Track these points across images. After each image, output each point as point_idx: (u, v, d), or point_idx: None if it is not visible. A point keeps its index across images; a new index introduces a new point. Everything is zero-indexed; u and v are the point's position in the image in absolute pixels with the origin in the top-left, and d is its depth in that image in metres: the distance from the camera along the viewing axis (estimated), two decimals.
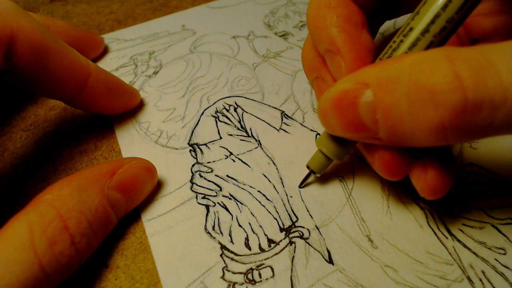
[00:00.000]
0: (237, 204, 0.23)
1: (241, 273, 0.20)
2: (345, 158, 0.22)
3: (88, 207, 0.19)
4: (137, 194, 0.22)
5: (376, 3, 0.21)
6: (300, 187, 0.23)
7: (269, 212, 0.22)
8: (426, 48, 0.17)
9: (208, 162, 0.25)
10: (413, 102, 0.15)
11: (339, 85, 0.18)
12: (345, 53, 0.19)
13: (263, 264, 0.20)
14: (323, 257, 0.21)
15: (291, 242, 0.21)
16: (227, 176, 0.24)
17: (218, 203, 0.23)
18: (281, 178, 0.24)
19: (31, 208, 0.18)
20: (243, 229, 0.22)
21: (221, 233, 0.22)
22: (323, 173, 0.23)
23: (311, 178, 0.24)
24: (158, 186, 0.23)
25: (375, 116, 0.16)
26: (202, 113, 0.27)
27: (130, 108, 0.27)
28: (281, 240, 0.21)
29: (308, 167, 0.22)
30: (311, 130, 0.26)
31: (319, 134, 0.26)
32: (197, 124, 0.27)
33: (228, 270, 0.20)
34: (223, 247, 0.21)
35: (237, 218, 0.22)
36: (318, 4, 0.20)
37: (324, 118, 0.19)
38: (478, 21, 0.22)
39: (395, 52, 0.18)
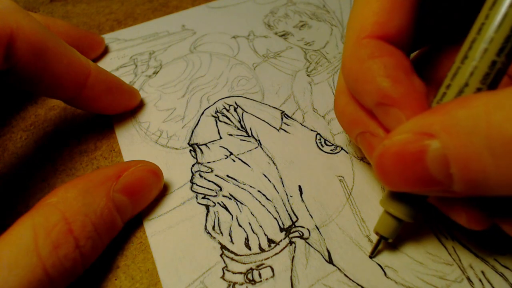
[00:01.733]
0: (237, 204, 0.23)
1: (241, 273, 0.20)
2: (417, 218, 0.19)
3: (93, 210, 0.19)
4: (143, 197, 0.22)
5: (412, 43, 0.20)
6: (371, 257, 0.21)
7: (269, 212, 0.22)
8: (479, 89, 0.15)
9: (208, 162, 0.25)
10: (499, 155, 0.13)
11: (397, 137, 0.16)
12: (403, 104, 0.17)
13: (263, 264, 0.20)
14: (323, 257, 0.21)
15: (291, 242, 0.21)
16: (227, 176, 0.24)
17: (218, 203, 0.23)
18: (281, 178, 0.24)
19: (36, 210, 0.18)
20: (243, 229, 0.22)
21: (221, 233, 0.22)
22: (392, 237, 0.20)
23: (382, 246, 0.21)
24: None
25: (448, 170, 0.15)
26: (202, 113, 0.27)
27: (130, 108, 0.27)
28: (281, 240, 0.21)
29: (377, 233, 0.20)
30: (311, 130, 0.26)
31: (319, 134, 0.26)
32: (197, 124, 0.27)
33: (228, 270, 0.20)
34: (223, 247, 0.21)
35: (237, 218, 0.22)
36: (357, 56, 0.18)
37: (384, 176, 0.17)
38: None
39: (450, 91, 0.16)
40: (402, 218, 0.19)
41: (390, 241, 0.20)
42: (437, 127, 0.15)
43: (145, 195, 0.22)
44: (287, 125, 0.26)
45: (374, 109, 0.18)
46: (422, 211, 0.19)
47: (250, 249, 0.21)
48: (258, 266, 0.20)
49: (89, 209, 0.19)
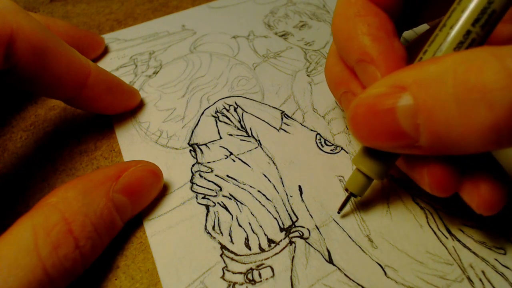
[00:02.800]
0: (237, 204, 0.23)
1: (241, 273, 0.20)
2: (385, 178, 0.20)
3: (93, 210, 0.19)
4: (143, 198, 0.22)
5: (401, 11, 0.21)
6: (338, 212, 0.22)
7: (269, 212, 0.22)
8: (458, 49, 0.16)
9: (208, 162, 0.25)
10: (463, 102, 0.14)
11: (371, 91, 0.17)
12: (380, 62, 0.18)
13: (263, 264, 0.20)
14: (323, 257, 0.21)
15: (291, 242, 0.21)
16: (227, 176, 0.24)
17: (218, 203, 0.23)
18: (281, 178, 0.24)
19: (35, 211, 0.18)
20: (243, 229, 0.22)
21: (221, 233, 0.22)
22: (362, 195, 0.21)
23: (351, 203, 0.22)
24: None
25: (416, 120, 0.15)
26: (202, 113, 0.27)
27: (130, 108, 0.27)
28: (281, 240, 0.21)
29: (347, 189, 0.21)
30: (311, 130, 0.26)
31: (319, 134, 0.26)
32: (197, 124, 0.27)
33: (228, 270, 0.20)
34: (223, 247, 0.21)
35: (237, 218, 0.22)
36: (345, 14, 0.19)
37: (356, 128, 0.18)
38: (498, 28, 0.22)
39: (426, 55, 0.17)
40: (371, 176, 0.19)
41: (358, 198, 0.21)
42: (409, 80, 0.15)
43: (145, 195, 0.22)
44: (287, 125, 0.26)
45: (355, 67, 0.19)
46: (390, 171, 0.20)
47: (250, 249, 0.21)
48: (258, 266, 0.20)
49: (89, 209, 0.19)
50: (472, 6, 0.16)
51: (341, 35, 0.20)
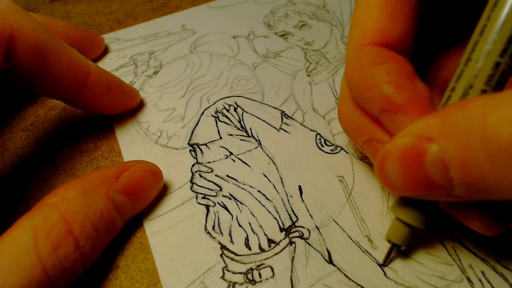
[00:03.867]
0: (237, 204, 0.23)
1: (241, 273, 0.20)
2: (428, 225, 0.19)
3: (93, 210, 0.19)
4: (143, 198, 0.22)
5: (414, 48, 0.20)
6: (383, 265, 0.20)
7: (269, 212, 0.22)
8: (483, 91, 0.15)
9: (208, 162, 0.25)
10: (495, 158, 0.13)
11: (397, 140, 0.16)
12: (407, 110, 0.17)
13: (263, 264, 0.20)
14: (323, 257, 0.21)
15: (291, 242, 0.21)
16: (227, 176, 0.24)
17: (218, 203, 0.23)
18: (281, 178, 0.24)
19: (35, 211, 0.18)
20: (243, 229, 0.22)
21: (221, 233, 0.22)
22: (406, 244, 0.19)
23: (394, 253, 0.20)
24: None
25: (447, 173, 0.14)
26: (202, 113, 0.27)
27: (130, 108, 0.27)
28: (281, 240, 0.21)
29: (389, 241, 0.19)
30: (311, 130, 0.26)
31: (319, 134, 0.26)
32: (197, 124, 0.27)
33: (228, 270, 0.20)
34: (223, 247, 0.21)
35: (237, 218, 0.22)
36: (360, 64, 0.18)
37: (385, 180, 0.17)
38: None
39: (455, 93, 0.16)
40: (413, 224, 0.18)
41: (402, 248, 0.19)
42: (436, 130, 0.15)
43: (144, 195, 0.22)
44: (287, 125, 0.26)
45: (379, 116, 0.18)
46: (433, 217, 0.19)
47: (250, 249, 0.21)
48: (258, 266, 0.20)
49: (88, 209, 0.19)
50: (496, 36, 0.15)
51: (358, 86, 0.19)
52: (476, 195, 0.15)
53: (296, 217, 0.22)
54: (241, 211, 0.22)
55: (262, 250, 0.21)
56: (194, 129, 0.26)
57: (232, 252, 0.21)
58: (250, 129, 0.26)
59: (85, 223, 0.18)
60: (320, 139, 0.26)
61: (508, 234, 0.21)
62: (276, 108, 0.27)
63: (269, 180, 0.24)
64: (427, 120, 0.15)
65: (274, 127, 0.26)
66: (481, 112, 0.13)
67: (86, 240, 0.18)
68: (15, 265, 0.16)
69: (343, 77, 0.21)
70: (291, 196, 0.23)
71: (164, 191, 0.23)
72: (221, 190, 0.23)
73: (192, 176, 0.24)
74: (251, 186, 0.23)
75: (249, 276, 0.20)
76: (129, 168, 0.21)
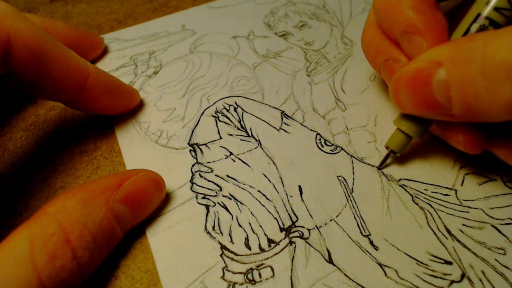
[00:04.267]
0: (237, 204, 0.23)
1: (241, 273, 0.20)
2: (424, 136, 0.22)
3: (92, 220, 0.19)
4: (144, 207, 0.21)
5: None
6: (379, 168, 0.24)
7: (269, 212, 0.22)
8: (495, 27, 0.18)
9: (208, 162, 0.25)
10: (490, 79, 0.16)
11: (412, 65, 0.19)
12: (425, 33, 0.20)
13: (263, 264, 0.20)
14: (323, 257, 0.21)
15: (291, 242, 0.21)
16: (227, 176, 0.24)
17: (218, 203, 0.23)
18: (281, 178, 0.24)
19: (33, 220, 0.18)
20: (243, 229, 0.22)
21: (221, 233, 0.22)
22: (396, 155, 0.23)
23: (390, 160, 0.24)
24: None
25: (448, 93, 0.17)
26: (202, 113, 0.27)
27: (130, 109, 0.27)
28: (281, 240, 0.21)
29: (387, 147, 0.23)
30: (311, 130, 0.26)
31: (319, 134, 0.26)
32: (197, 124, 0.27)
33: (228, 270, 0.20)
34: (223, 247, 0.21)
35: (237, 218, 0.22)
36: None
37: (397, 97, 0.20)
38: None
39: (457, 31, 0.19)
40: (411, 135, 0.22)
41: (398, 155, 0.23)
42: (445, 57, 0.17)
43: (146, 205, 0.21)
44: (287, 125, 0.26)
45: (399, 38, 0.21)
46: (428, 130, 0.22)
47: (250, 249, 0.21)
48: (258, 266, 0.20)
49: (88, 219, 0.18)
50: None
51: (384, 8, 0.21)
52: (470, 115, 0.17)
53: (296, 217, 0.22)
54: (241, 211, 0.22)
55: (262, 250, 0.21)
56: (194, 129, 0.26)
57: (232, 252, 0.21)
58: (250, 129, 0.26)
59: (84, 233, 0.18)
60: (320, 139, 0.25)
61: (509, 234, 0.21)
62: (276, 108, 0.27)
63: (269, 180, 0.24)
64: (439, 48, 0.18)
65: (274, 127, 0.26)
66: (484, 41, 0.16)
67: (84, 251, 0.18)
68: (10, 275, 0.16)
69: (371, 8, 0.25)
70: (291, 196, 0.23)
71: (165, 200, 0.23)
72: (221, 190, 0.23)
73: (192, 176, 0.24)
74: (251, 186, 0.23)
75: (249, 276, 0.20)
76: (130, 177, 0.21)
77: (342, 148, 0.25)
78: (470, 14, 0.19)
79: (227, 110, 0.27)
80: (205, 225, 0.22)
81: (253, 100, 0.28)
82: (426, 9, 0.20)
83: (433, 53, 0.18)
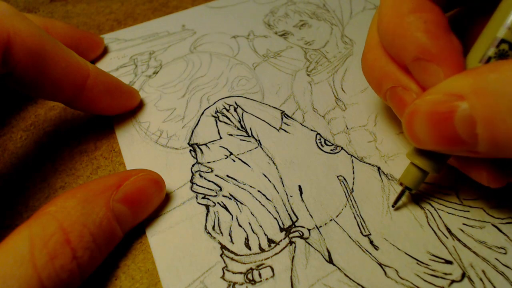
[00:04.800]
0: (237, 204, 0.23)
1: (241, 273, 0.20)
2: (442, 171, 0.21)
3: (92, 220, 0.19)
4: (144, 207, 0.21)
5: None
6: (393, 206, 0.22)
7: (269, 212, 0.22)
8: None
9: (208, 162, 0.25)
10: None
11: (428, 97, 0.17)
12: (442, 61, 0.18)
13: (263, 264, 0.20)
14: (323, 257, 0.21)
15: (291, 242, 0.21)
16: (227, 176, 0.24)
17: (218, 203, 0.23)
18: (281, 178, 0.24)
19: (33, 220, 0.18)
20: (243, 229, 0.22)
21: (221, 233, 0.22)
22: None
23: (404, 198, 0.22)
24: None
25: (474, 130, 0.16)
26: (202, 113, 0.27)
27: (130, 109, 0.27)
28: (281, 240, 0.21)
29: (401, 184, 0.21)
30: (311, 130, 0.26)
31: (319, 134, 0.26)
32: (197, 124, 0.27)
33: (228, 270, 0.20)
34: (223, 247, 0.21)
35: (237, 218, 0.22)
36: (398, 11, 0.19)
37: (412, 132, 0.18)
38: None
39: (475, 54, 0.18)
40: (427, 170, 0.20)
41: (413, 192, 0.21)
42: (467, 89, 0.16)
43: (146, 205, 0.21)
44: (287, 125, 0.26)
45: (410, 64, 0.19)
46: (446, 165, 0.20)
47: (250, 249, 0.21)
48: (258, 266, 0.20)
49: (87, 219, 0.18)
50: None
51: (393, 31, 0.19)
52: (497, 152, 0.16)
53: (296, 217, 0.22)
54: (241, 211, 0.22)
55: (262, 250, 0.21)
56: (194, 129, 0.26)
57: (232, 252, 0.21)
58: (250, 129, 0.26)
59: (84, 233, 0.18)
60: (320, 139, 0.25)
61: (509, 233, 0.21)
62: (276, 108, 0.27)
63: (269, 180, 0.24)
64: (459, 78, 0.16)
65: (274, 127, 0.26)
66: None
67: (84, 251, 0.18)
68: (10, 275, 0.16)
69: (370, 25, 0.23)
70: (291, 196, 0.23)
71: (165, 200, 0.23)
72: (221, 190, 0.23)
73: (192, 176, 0.24)
74: (251, 186, 0.23)
75: (249, 276, 0.20)
76: (130, 177, 0.21)
77: (342, 148, 0.25)
78: (485, 36, 0.18)
79: (227, 110, 0.27)
80: (205, 225, 0.22)
81: (253, 100, 0.28)
82: (441, 33, 0.18)
83: (452, 84, 0.16)
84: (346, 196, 0.23)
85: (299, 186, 0.23)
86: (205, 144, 0.26)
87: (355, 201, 0.22)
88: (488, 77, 0.15)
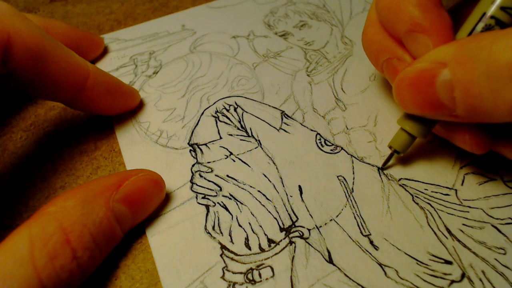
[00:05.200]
0: (237, 204, 0.23)
1: (241, 273, 0.20)
2: (428, 136, 0.22)
3: (92, 220, 0.19)
4: (144, 207, 0.21)
5: None
6: (382, 168, 0.23)
7: (269, 212, 0.22)
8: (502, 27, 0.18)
9: (208, 162, 0.25)
10: (494, 80, 0.15)
11: (416, 65, 0.19)
12: (431, 32, 0.19)
13: (263, 264, 0.20)
14: (323, 257, 0.21)
15: (291, 242, 0.21)
16: (227, 176, 0.24)
17: (218, 203, 0.23)
18: (281, 178, 0.24)
19: (33, 220, 0.18)
20: (243, 229, 0.22)
21: (221, 233, 0.22)
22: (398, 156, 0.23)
23: (393, 160, 0.24)
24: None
25: (452, 94, 0.17)
26: (202, 113, 0.27)
27: (130, 109, 0.27)
28: (281, 240, 0.21)
29: (390, 147, 0.23)
30: (311, 130, 0.26)
31: (319, 134, 0.26)
32: (197, 124, 0.27)
33: (228, 270, 0.20)
34: (223, 247, 0.21)
35: (237, 218, 0.22)
36: None
37: (400, 97, 0.20)
38: None
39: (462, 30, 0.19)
40: (415, 135, 0.21)
41: (401, 155, 0.23)
42: (450, 57, 0.17)
43: (145, 205, 0.21)
44: (287, 125, 0.26)
45: (403, 37, 0.21)
46: (431, 131, 0.22)
47: (250, 249, 0.21)
48: (258, 266, 0.20)
49: (87, 219, 0.18)
50: None
51: (389, 7, 0.21)
52: (474, 116, 0.17)
53: (296, 217, 0.22)
54: (241, 211, 0.22)
55: (262, 250, 0.21)
56: (194, 129, 0.26)
57: (232, 252, 0.21)
58: (250, 129, 0.26)
59: (84, 233, 0.18)
60: (320, 139, 0.25)
61: (509, 234, 0.21)
62: (276, 108, 0.27)
63: (269, 180, 0.24)
64: (444, 48, 0.18)
65: (274, 127, 0.26)
66: (489, 42, 0.16)
67: (84, 251, 0.18)
68: (10, 275, 0.16)
69: (371, 4, 0.25)
70: (291, 196, 0.23)
71: (165, 200, 0.23)
72: (221, 190, 0.23)
73: (192, 176, 0.24)
74: (251, 186, 0.23)
75: (249, 276, 0.20)
76: (130, 177, 0.21)
77: (342, 148, 0.25)
78: (475, 13, 0.19)
79: (227, 110, 0.27)
80: (205, 225, 0.22)
81: (253, 100, 0.28)
82: (432, 7, 0.20)
83: (438, 53, 0.18)
84: (346, 196, 0.23)
85: (299, 186, 0.23)
86: (205, 144, 0.26)
87: (355, 201, 0.23)
88: (468, 45, 0.17)
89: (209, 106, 0.28)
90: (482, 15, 0.19)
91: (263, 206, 0.23)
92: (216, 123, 0.27)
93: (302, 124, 0.26)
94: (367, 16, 0.25)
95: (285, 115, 0.27)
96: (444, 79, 0.17)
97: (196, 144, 0.26)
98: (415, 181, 0.23)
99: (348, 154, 0.25)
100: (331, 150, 0.25)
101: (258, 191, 0.23)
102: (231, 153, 0.25)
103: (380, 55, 0.23)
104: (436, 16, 0.19)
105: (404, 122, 0.22)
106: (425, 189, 0.23)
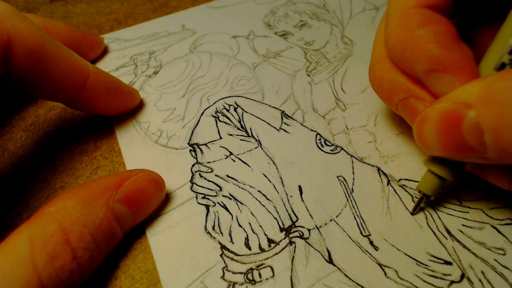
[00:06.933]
0: (237, 204, 0.23)
1: (241, 273, 0.20)
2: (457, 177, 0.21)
3: (92, 220, 0.19)
4: (144, 208, 0.21)
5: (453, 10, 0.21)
6: (412, 214, 0.22)
7: (269, 212, 0.22)
8: None
9: (208, 162, 0.25)
10: None
11: (438, 105, 0.17)
12: (456, 70, 0.18)
13: (263, 264, 0.20)
14: (323, 257, 0.21)
15: (291, 242, 0.21)
16: (227, 176, 0.24)
17: (218, 203, 0.23)
18: (281, 178, 0.24)
19: (33, 220, 0.18)
20: (243, 229, 0.22)
21: (221, 233, 0.22)
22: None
23: (422, 204, 0.22)
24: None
25: (482, 138, 0.16)
26: (202, 113, 0.27)
27: (130, 109, 0.27)
28: (281, 240, 0.21)
29: (420, 191, 0.21)
30: (311, 130, 0.26)
31: (319, 134, 0.26)
32: (197, 124, 0.27)
33: (228, 270, 0.20)
34: (223, 247, 0.21)
35: (237, 218, 0.22)
36: (406, 25, 0.19)
37: (422, 139, 0.19)
38: None
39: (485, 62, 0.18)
40: (444, 177, 0.20)
41: (432, 198, 0.21)
42: (475, 98, 0.16)
43: (145, 205, 0.21)
44: (287, 125, 0.26)
45: (423, 76, 0.19)
46: (463, 171, 0.20)
47: (250, 249, 0.21)
48: (258, 266, 0.20)
49: (88, 219, 0.18)
50: None
51: (403, 45, 0.19)
52: (506, 159, 0.16)
53: (296, 217, 0.22)
54: (241, 211, 0.22)
55: (262, 250, 0.21)
56: (194, 129, 0.26)
57: (232, 252, 0.21)
58: (250, 129, 0.26)
59: (84, 233, 0.18)
60: (320, 139, 0.26)
61: (508, 234, 0.21)
62: (276, 108, 0.27)
63: (269, 180, 0.24)
64: (467, 87, 0.17)
65: (274, 127, 0.26)
66: None
67: (84, 251, 0.18)
68: (10, 276, 0.16)
69: (375, 38, 0.23)
70: (291, 196, 0.23)
71: (165, 200, 0.23)
72: (221, 190, 0.23)
73: (192, 176, 0.24)
74: (251, 186, 0.23)
75: (249, 276, 0.20)
76: (130, 177, 0.21)
77: (342, 148, 0.25)
78: (498, 42, 0.18)
79: (227, 110, 0.27)
80: (205, 225, 0.22)
81: (253, 100, 0.28)
82: (452, 43, 0.18)
83: (461, 93, 0.17)
84: (346, 197, 0.23)
85: (299, 186, 0.23)
86: (205, 144, 0.26)
87: (355, 201, 0.23)
88: (494, 85, 0.15)
89: (209, 106, 0.28)
90: (507, 46, 0.17)
91: (263, 206, 0.23)
92: (216, 123, 0.27)
93: (302, 124, 0.26)
94: (373, 51, 0.23)
95: (285, 115, 0.27)
96: (471, 123, 0.16)
97: (196, 144, 0.26)
98: (415, 181, 0.23)
99: (348, 154, 0.25)
100: (331, 150, 0.25)
101: (258, 191, 0.23)
102: (231, 153, 0.25)
103: (394, 94, 0.21)
104: (459, 53, 0.18)
105: (431, 164, 0.20)
106: None
